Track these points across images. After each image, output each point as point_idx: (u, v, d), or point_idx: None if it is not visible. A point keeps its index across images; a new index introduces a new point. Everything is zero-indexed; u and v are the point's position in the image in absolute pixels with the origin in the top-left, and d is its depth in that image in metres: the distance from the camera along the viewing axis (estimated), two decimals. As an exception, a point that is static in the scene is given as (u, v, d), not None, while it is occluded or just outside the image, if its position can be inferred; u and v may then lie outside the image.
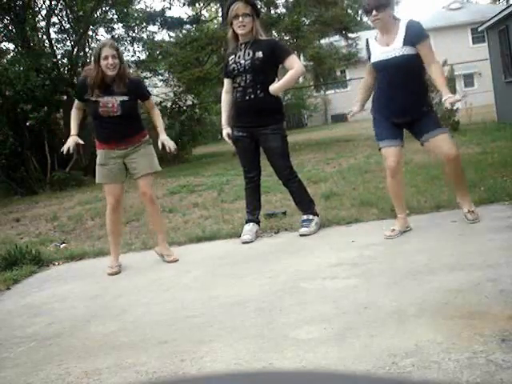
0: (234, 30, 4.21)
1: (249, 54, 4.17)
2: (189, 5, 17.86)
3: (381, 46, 3.72)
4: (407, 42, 3.61)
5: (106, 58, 3.77)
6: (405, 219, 3.92)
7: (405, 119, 3.77)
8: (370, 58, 3.84)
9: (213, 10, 23.61)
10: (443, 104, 3.84)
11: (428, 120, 3.77)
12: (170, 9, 20.68)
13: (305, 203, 4.40)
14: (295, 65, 4.17)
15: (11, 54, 14.32)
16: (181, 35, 17.53)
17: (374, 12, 3.60)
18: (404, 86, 3.66)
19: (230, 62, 4.25)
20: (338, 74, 27.55)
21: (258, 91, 4.17)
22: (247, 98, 4.19)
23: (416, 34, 3.63)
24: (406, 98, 3.68)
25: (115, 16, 15.73)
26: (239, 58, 4.20)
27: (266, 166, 4.64)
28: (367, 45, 3.87)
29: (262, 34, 4.29)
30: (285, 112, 4.57)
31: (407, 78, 3.66)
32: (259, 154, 4.43)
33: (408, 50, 3.62)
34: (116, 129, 3.93)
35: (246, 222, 4.44)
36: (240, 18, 4.10)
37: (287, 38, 15.35)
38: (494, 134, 9.61)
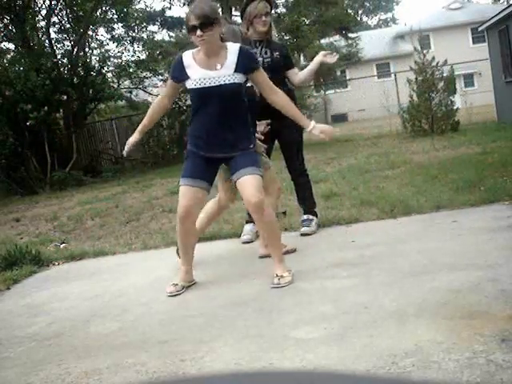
0: (248, 27, 4.23)
1: (266, 53, 4.22)
2: (189, 5, 17.86)
3: (203, 69, 3.12)
4: (240, 68, 3.10)
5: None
6: (189, 273, 3.37)
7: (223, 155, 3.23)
8: (178, 79, 3.23)
9: (213, 9, 23.61)
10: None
11: (245, 157, 3.16)
12: (170, 9, 20.71)
13: (309, 202, 4.42)
14: (299, 73, 4.41)
15: (11, 54, 14.33)
16: (181, 35, 17.54)
17: (199, 32, 3.00)
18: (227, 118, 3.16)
19: None
20: (338, 73, 27.57)
21: (279, 87, 4.18)
22: None
23: (251, 61, 3.15)
24: (227, 132, 3.17)
25: (115, 16, 15.72)
26: (256, 55, 4.23)
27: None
28: (181, 62, 3.19)
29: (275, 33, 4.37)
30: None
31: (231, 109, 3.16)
32: (270, 152, 4.41)
33: (239, 78, 3.12)
34: None
35: (246, 222, 4.44)
36: (263, 18, 4.18)
37: (287, 37, 15.36)
38: (494, 134, 9.61)
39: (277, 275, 3.13)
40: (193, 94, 3.19)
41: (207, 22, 2.99)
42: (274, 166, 4.14)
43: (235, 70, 3.10)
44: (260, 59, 4.21)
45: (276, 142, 4.41)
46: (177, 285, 3.29)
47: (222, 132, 3.17)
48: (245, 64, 3.12)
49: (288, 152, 4.37)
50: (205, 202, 3.53)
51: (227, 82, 3.09)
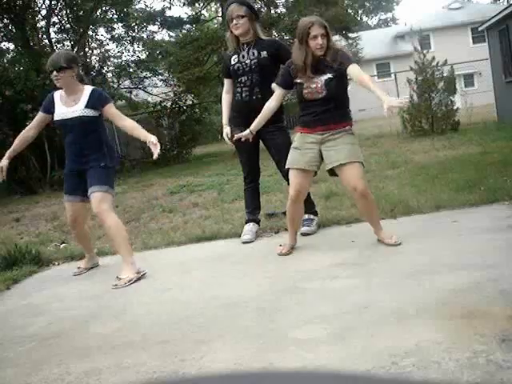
0: (231, 32, 4.24)
1: (254, 54, 4.19)
2: (189, 5, 17.85)
3: (64, 105, 3.95)
4: (89, 105, 3.89)
5: (316, 37, 3.51)
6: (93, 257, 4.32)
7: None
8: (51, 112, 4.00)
9: (213, 9, 23.60)
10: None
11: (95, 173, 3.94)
12: (170, 9, 20.67)
13: (307, 202, 4.41)
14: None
15: (11, 54, 14.33)
16: (181, 35, 17.54)
17: (55, 72, 3.88)
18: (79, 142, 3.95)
19: (233, 62, 4.25)
20: (338, 73, 27.51)
21: (264, 90, 4.17)
22: (254, 97, 4.20)
23: (99, 99, 3.94)
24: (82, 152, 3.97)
25: (115, 16, 15.73)
26: (243, 57, 4.21)
27: (266, 166, 4.64)
28: (53, 99, 4.01)
29: (261, 33, 4.30)
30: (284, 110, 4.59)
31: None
32: (259, 153, 4.44)
33: (88, 112, 3.89)
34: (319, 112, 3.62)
35: (246, 222, 4.44)
36: (234, 21, 4.14)
37: (287, 37, 15.34)
38: (494, 134, 9.61)
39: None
40: (56, 124, 4.04)
41: (61, 66, 3.87)
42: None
43: (85, 106, 3.89)
44: (247, 61, 4.20)
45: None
46: (80, 267, 4.21)
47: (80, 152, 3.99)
48: (94, 102, 3.90)
49: (278, 154, 4.29)
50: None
51: (78, 115, 3.90)
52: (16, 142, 4.08)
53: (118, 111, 4.04)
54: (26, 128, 4.15)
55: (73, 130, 3.93)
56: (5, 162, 3.96)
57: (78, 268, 4.19)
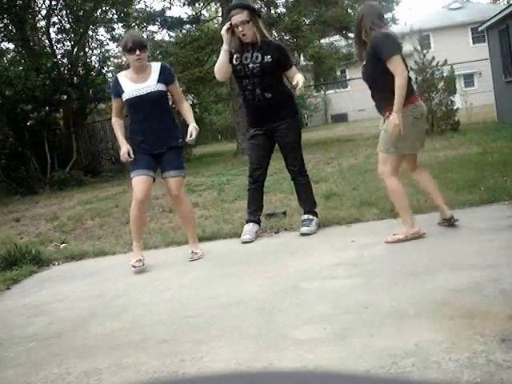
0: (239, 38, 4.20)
1: (257, 58, 4.16)
2: (189, 4, 17.83)
3: (133, 83, 3.94)
4: (161, 79, 3.96)
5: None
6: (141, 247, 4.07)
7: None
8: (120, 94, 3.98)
9: (213, 9, 23.59)
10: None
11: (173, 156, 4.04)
12: (170, 9, 20.62)
13: (309, 202, 4.42)
14: (297, 71, 4.32)
15: (11, 54, 14.33)
16: (181, 35, 17.52)
17: (138, 52, 3.84)
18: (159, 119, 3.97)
19: (235, 62, 4.23)
20: (338, 73, 27.55)
21: (266, 93, 4.19)
22: (257, 99, 4.22)
23: (170, 74, 4.06)
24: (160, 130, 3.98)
25: (115, 16, 15.72)
26: (246, 59, 4.19)
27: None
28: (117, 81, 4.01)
29: (266, 33, 4.29)
30: (297, 105, 4.63)
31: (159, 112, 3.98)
32: (271, 154, 4.45)
33: (160, 87, 3.95)
34: None
35: (247, 222, 4.44)
36: (240, 28, 4.09)
37: (287, 37, 15.33)
38: (494, 134, 9.61)
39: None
40: (128, 102, 3.95)
41: (144, 45, 3.91)
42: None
43: (158, 81, 3.95)
44: (250, 65, 4.18)
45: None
46: (140, 260, 3.92)
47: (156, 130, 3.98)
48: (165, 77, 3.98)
49: (286, 152, 4.38)
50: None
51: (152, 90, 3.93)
52: (120, 131, 4.03)
53: (181, 91, 4.23)
54: (114, 119, 4.08)
55: (147, 107, 3.89)
56: (127, 146, 3.94)
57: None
